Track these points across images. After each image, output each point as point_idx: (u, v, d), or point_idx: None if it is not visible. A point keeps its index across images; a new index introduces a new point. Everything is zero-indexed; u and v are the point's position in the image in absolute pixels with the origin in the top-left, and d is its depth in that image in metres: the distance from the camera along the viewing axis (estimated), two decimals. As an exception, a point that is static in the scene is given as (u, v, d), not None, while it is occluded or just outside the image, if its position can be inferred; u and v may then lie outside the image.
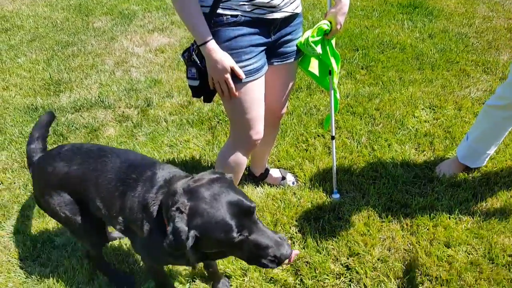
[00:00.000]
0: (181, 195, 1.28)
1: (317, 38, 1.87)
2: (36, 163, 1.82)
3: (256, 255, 1.29)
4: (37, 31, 5.07)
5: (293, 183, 2.59)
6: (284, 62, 1.94)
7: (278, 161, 2.76)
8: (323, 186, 2.50)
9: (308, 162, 2.71)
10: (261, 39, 1.74)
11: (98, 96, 3.64)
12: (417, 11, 4.71)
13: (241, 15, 1.64)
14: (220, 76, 1.69)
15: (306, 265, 2.05)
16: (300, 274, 2.01)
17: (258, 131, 1.91)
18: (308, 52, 1.92)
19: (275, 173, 2.61)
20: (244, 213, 1.26)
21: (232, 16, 1.63)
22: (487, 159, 2.49)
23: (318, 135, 2.95)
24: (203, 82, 1.77)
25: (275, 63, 1.92)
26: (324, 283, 1.96)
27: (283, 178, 2.60)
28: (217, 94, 1.85)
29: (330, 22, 1.88)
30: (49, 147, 3.02)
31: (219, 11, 1.62)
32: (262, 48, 1.77)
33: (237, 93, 1.76)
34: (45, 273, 2.10)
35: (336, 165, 2.64)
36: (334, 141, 2.34)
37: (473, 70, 3.58)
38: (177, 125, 3.19)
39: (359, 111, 3.15)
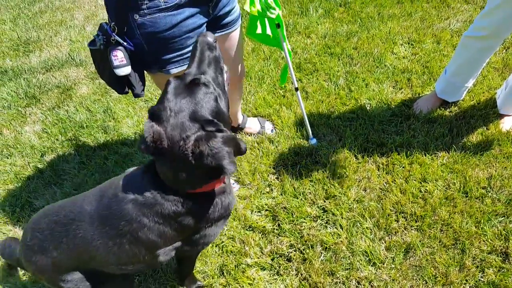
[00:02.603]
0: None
1: None
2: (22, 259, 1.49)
3: None
4: (-1, -12, 4.69)
5: (271, 130, 2.50)
6: (228, 31, 1.75)
7: (256, 109, 2.65)
8: (300, 131, 2.42)
9: (286, 108, 2.61)
10: (202, 19, 1.52)
11: (69, 54, 3.43)
12: None
13: None
14: None
15: (283, 210, 2.02)
16: (278, 220, 1.99)
17: None
18: (267, 15, 1.79)
19: (253, 122, 2.51)
20: None
21: None
22: (465, 92, 2.39)
23: (296, 80, 2.81)
24: (135, 66, 1.44)
25: (219, 35, 1.73)
26: (301, 226, 1.95)
27: (261, 126, 2.51)
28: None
29: None
30: (22, 110, 2.89)
31: None
32: (204, 27, 1.56)
33: None
34: (26, 237, 2.07)
35: (313, 109, 2.55)
36: (298, 92, 2.22)
37: (453, 0, 3.37)
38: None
39: (337, 52, 3.00)
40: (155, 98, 2.85)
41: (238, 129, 2.49)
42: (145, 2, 1.34)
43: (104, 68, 1.48)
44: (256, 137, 2.45)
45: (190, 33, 1.48)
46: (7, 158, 2.54)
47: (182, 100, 1.14)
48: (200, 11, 1.49)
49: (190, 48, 1.51)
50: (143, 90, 1.56)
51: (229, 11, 1.69)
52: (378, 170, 2.15)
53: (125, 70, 1.41)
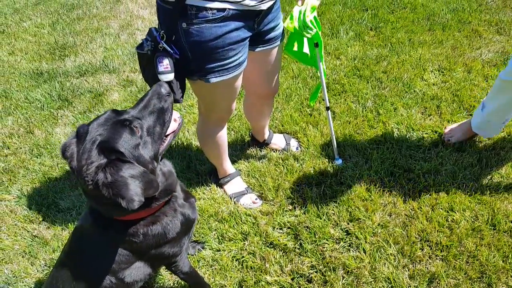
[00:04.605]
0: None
1: (311, 17, 1.77)
2: None
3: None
4: (41, -6, 4.91)
5: (296, 148, 2.51)
6: (269, 47, 1.79)
7: (282, 125, 2.67)
8: (326, 151, 2.42)
9: (312, 127, 2.62)
10: (246, 33, 1.57)
11: (103, 61, 3.54)
12: (430, -33, 4.39)
13: (229, 8, 1.42)
14: None
15: (306, 229, 2.01)
16: (300, 239, 1.98)
17: (232, 110, 1.88)
18: (303, 33, 1.80)
19: (278, 138, 2.53)
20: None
21: (219, 10, 1.40)
22: (502, 127, 2.27)
23: (323, 99, 2.82)
24: (177, 74, 1.49)
25: (260, 49, 1.77)
26: (324, 247, 1.93)
27: (287, 143, 2.52)
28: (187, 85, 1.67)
29: None
30: (54, 112, 2.98)
31: (199, 4, 1.38)
32: (247, 41, 1.61)
33: (219, 88, 1.64)
34: (50, 236, 2.11)
35: (340, 130, 2.55)
36: (329, 111, 2.23)
37: (485, 30, 3.36)
38: (181, 89, 3.09)
39: (366, 74, 3.01)
40: (184, 109, 2.91)
41: (264, 144, 2.50)
42: (194, 12, 1.40)
43: (149, 71, 1.53)
44: (281, 153, 2.46)
45: (233, 45, 1.53)
46: (37, 157, 2.62)
47: (103, 131, 1.17)
48: (245, 25, 1.53)
49: (232, 59, 1.56)
50: (182, 96, 1.60)
51: (274, 27, 1.73)
52: (404, 196, 2.12)
53: (169, 77, 1.46)
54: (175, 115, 1.38)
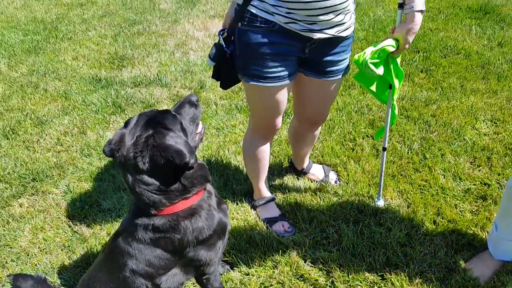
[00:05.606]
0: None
1: (376, 60, 1.65)
2: None
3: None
4: (108, 7, 5.19)
5: (335, 182, 2.42)
6: (326, 79, 1.76)
7: (322, 156, 2.60)
8: (366, 189, 2.31)
9: (354, 162, 2.52)
10: (293, 52, 1.61)
11: (157, 75, 3.64)
12: (487, 17, 4.26)
13: (276, 23, 1.51)
14: None
15: (339, 267, 1.90)
16: (332, 276, 1.86)
17: (275, 125, 1.89)
18: (365, 71, 1.71)
19: (317, 169, 2.45)
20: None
21: (267, 21, 1.51)
22: None
23: (367, 135, 2.74)
24: (220, 66, 1.68)
25: (316, 77, 1.76)
26: (356, 289, 1.81)
27: (326, 175, 2.43)
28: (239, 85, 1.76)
29: (397, 40, 1.65)
30: (107, 117, 3.06)
31: (254, 10, 1.51)
32: (291, 59, 1.64)
33: (256, 93, 1.71)
34: (89, 233, 2.12)
35: (383, 169, 2.43)
36: (385, 152, 2.12)
37: (544, 85, 3.17)
38: (226, 109, 3.10)
39: (413, 116, 2.89)
40: (226, 128, 2.90)
41: (302, 173, 2.43)
42: (248, 16, 1.53)
43: None
44: (319, 184, 2.38)
45: (273, 57, 1.58)
46: (86, 157, 2.68)
47: (149, 113, 1.33)
48: (292, 44, 1.57)
49: (270, 70, 1.61)
50: (227, 87, 1.78)
51: (335, 61, 1.70)
52: (447, 247, 1.96)
53: (211, 63, 1.67)
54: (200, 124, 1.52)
